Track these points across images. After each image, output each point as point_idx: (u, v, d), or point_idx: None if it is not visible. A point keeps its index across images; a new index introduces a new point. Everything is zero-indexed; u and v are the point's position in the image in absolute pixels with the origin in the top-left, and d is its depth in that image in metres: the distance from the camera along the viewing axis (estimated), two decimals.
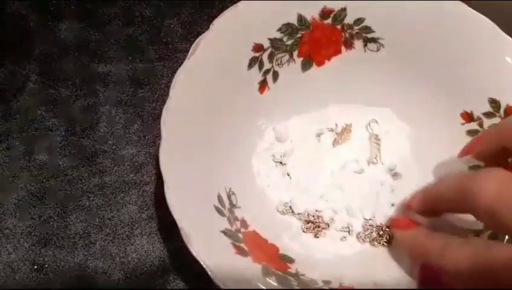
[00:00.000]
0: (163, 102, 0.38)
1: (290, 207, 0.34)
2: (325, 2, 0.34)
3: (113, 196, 0.36)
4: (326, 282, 0.30)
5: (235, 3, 0.33)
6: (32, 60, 0.40)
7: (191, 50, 0.31)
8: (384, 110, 0.37)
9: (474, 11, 0.33)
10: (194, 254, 0.26)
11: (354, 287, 0.30)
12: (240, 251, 0.28)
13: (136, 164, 0.37)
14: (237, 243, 0.29)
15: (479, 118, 0.34)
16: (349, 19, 0.35)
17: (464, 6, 0.33)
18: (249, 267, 0.28)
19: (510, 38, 0.33)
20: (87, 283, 0.33)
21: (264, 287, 0.27)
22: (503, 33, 0.33)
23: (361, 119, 0.37)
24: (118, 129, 0.38)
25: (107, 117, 0.38)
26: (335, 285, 0.30)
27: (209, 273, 0.26)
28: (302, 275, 0.30)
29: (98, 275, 0.33)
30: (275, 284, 0.27)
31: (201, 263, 0.26)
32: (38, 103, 0.39)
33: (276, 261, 0.30)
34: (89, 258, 0.34)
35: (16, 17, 0.42)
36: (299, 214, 0.34)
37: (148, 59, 0.41)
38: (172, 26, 0.42)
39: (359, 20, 0.35)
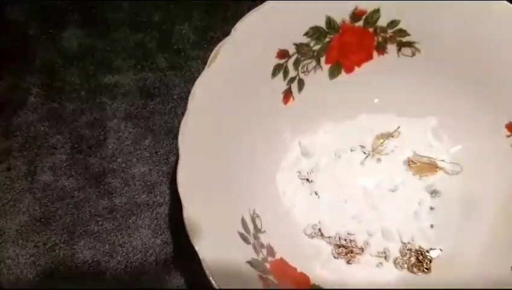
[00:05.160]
0: (176, 114, 0.38)
1: (319, 229, 0.33)
2: (357, 2, 0.33)
3: (124, 220, 0.34)
4: None
5: (250, 5, 0.31)
6: (33, 71, 0.39)
7: (210, 57, 0.30)
8: (420, 121, 0.36)
9: None
10: None
11: None
12: (267, 283, 0.27)
13: (148, 183, 0.35)
14: (264, 275, 0.27)
15: None
16: (382, 21, 0.33)
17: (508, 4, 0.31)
18: None
19: None
20: None
21: None
22: None
23: (395, 132, 0.36)
24: (128, 145, 0.37)
25: (116, 132, 0.37)
26: None
27: None
28: None
29: None
30: None
31: None
32: (41, 119, 0.37)
33: None
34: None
35: (15, 25, 0.40)
36: (329, 237, 0.33)
37: (159, 68, 0.39)
38: (183, 31, 0.40)
39: (393, 23, 0.33)
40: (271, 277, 0.27)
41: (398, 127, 0.35)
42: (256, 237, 0.29)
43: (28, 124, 0.37)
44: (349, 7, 0.33)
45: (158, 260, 0.33)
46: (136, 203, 0.35)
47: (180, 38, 0.40)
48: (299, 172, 0.34)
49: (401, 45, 0.34)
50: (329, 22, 0.33)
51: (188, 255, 0.32)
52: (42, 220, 0.34)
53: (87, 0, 0.41)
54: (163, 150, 0.36)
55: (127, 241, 0.34)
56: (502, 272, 0.30)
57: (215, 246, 0.26)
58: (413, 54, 0.35)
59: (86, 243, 0.33)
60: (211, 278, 0.25)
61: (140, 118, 0.38)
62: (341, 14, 0.33)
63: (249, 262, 0.27)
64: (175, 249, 0.33)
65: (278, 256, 0.30)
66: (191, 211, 0.26)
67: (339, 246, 0.32)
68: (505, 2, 0.31)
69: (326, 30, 0.33)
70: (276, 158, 0.34)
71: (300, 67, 0.34)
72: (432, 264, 0.32)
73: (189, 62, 0.39)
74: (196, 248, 0.25)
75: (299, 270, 0.30)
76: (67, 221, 0.34)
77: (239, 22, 0.31)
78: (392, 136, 0.36)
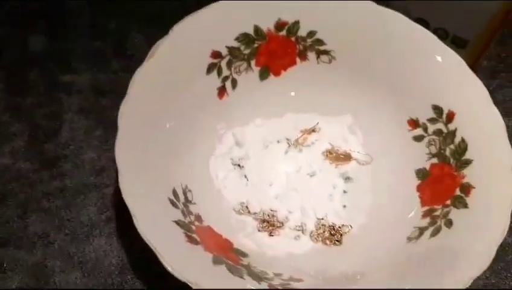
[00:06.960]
0: None
1: (246, 207, 0.37)
2: (280, 14, 0.38)
3: (73, 198, 0.38)
4: (278, 274, 0.33)
5: None
6: (0, 69, 0.43)
7: (149, 52, 0.35)
8: (338, 119, 0.41)
9: (412, 21, 0.38)
10: (145, 239, 0.28)
11: (303, 279, 0.32)
12: (192, 240, 0.31)
13: (97, 167, 0.39)
14: (189, 233, 0.31)
15: (423, 124, 0.38)
16: (302, 32, 0.39)
17: (401, 16, 0.37)
18: (199, 254, 0.30)
19: (446, 46, 0.37)
20: (44, 281, 0.35)
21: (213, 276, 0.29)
22: (440, 41, 0.37)
23: (316, 127, 0.41)
24: (80, 135, 0.41)
25: (70, 123, 0.41)
26: (285, 277, 0.32)
27: (159, 257, 0.28)
28: (254, 267, 0.33)
29: (55, 273, 0.35)
30: (226, 271, 0.30)
31: (151, 247, 0.28)
32: (4, 110, 0.41)
33: (229, 254, 0.33)
34: (47, 257, 0.36)
35: None
36: (254, 213, 0.37)
37: (112, 70, 0.44)
38: (136, 40, 0.45)
39: (311, 33, 0.39)
40: (195, 235, 0.32)
41: (317, 123, 0.41)
42: (185, 205, 0.34)
43: None
44: (274, 18, 0.38)
45: (102, 234, 0.37)
46: (85, 185, 0.39)
47: (133, 46, 0.45)
48: (232, 159, 0.39)
49: (319, 53, 0.40)
50: (257, 30, 0.38)
51: (130, 229, 0.37)
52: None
53: (53, 10, 0.46)
54: (112, 140, 0.40)
55: (75, 217, 0.37)
56: (400, 242, 0.35)
57: (145, 205, 0.30)
58: (330, 61, 0.40)
59: (37, 218, 0.37)
60: (139, 231, 0.29)
61: (93, 112, 0.42)
62: (266, 23, 0.38)
63: (175, 221, 0.31)
64: (117, 224, 0.37)
65: (205, 224, 0.34)
66: (124, 175, 0.30)
67: (263, 221, 0.37)
68: (404, 18, 0.37)
69: (255, 37, 0.39)
70: (211, 146, 0.39)
71: (233, 68, 0.39)
72: (342, 238, 0.37)
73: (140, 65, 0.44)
74: (128, 205, 0.29)
75: (224, 237, 0.34)
76: (21, 198, 0.38)
77: (176, 24, 0.36)
78: (314, 131, 0.41)
